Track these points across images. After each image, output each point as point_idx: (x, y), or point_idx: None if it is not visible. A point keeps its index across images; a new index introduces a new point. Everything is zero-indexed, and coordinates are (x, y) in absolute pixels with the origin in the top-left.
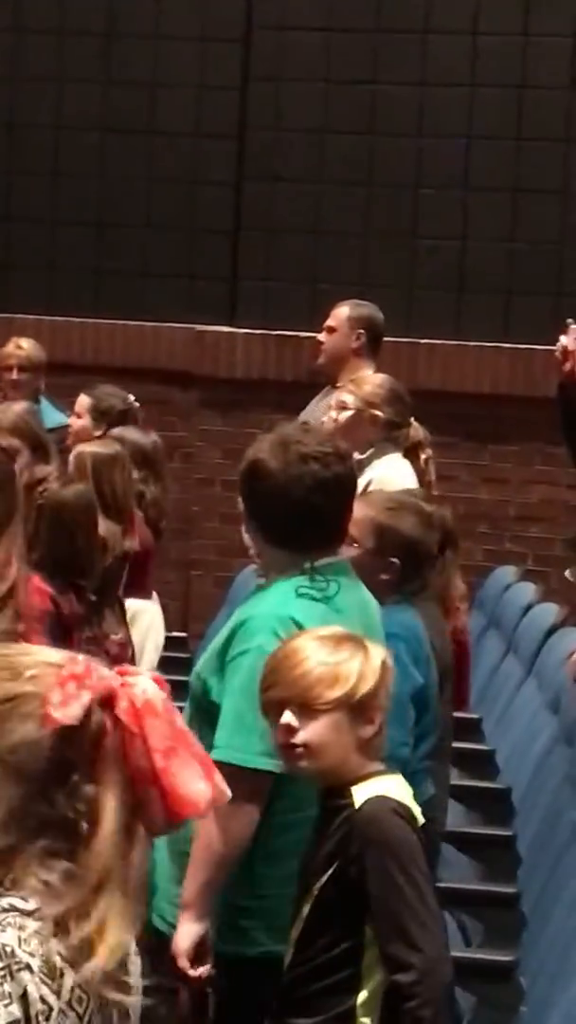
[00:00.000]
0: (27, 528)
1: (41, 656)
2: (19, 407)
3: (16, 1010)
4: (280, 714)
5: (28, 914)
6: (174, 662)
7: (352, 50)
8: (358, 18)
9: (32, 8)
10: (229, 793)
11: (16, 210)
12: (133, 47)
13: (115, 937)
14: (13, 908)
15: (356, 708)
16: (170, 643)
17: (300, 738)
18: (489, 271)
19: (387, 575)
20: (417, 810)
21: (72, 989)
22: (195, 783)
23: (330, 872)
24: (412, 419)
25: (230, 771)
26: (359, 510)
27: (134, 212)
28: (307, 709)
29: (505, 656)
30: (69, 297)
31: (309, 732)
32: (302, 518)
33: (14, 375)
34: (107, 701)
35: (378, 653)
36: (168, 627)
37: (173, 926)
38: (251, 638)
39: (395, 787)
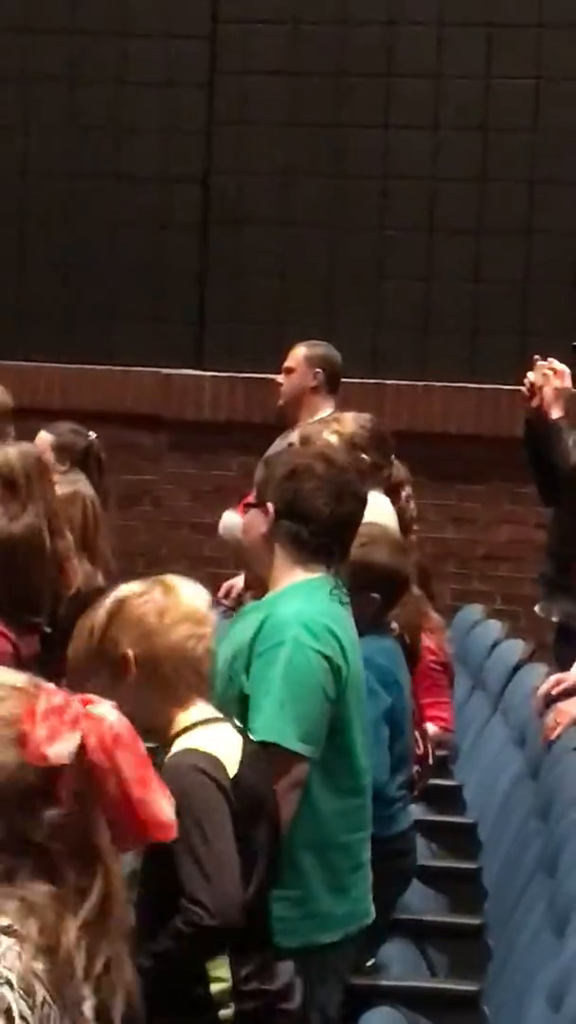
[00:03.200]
0: None
1: (3, 678)
2: None
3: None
4: None
5: (3, 931)
6: None
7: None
8: None
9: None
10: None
11: None
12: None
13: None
14: None
15: None
16: None
17: None
18: (454, 311)
19: (367, 609)
20: None
21: (42, 1006)
22: (167, 807)
23: None
24: (393, 457)
25: (273, 752)
26: None
27: (105, 255)
28: None
29: (472, 693)
30: (37, 342)
31: None
32: (339, 527)
33: None
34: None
35: None
36: None
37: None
38: (282, 631)
39: None
